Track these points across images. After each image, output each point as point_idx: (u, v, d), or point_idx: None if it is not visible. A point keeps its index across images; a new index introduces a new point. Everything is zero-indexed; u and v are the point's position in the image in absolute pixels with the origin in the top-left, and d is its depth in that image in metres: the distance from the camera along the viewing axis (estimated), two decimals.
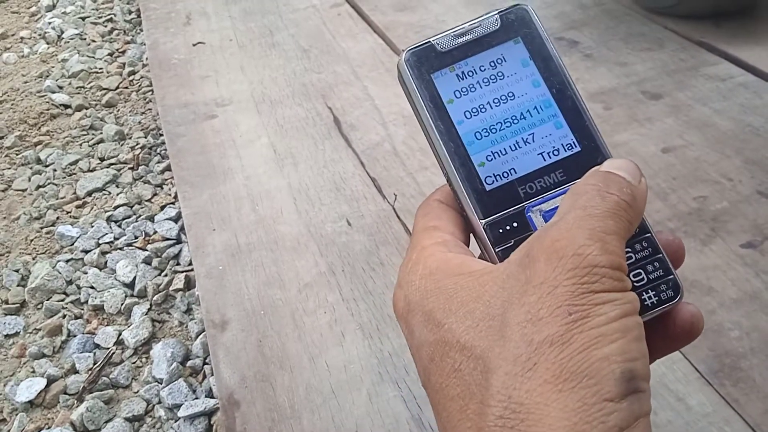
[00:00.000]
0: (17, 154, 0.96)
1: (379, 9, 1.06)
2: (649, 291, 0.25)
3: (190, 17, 1.10)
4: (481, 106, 0.27)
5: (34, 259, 0.79)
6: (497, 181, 0.26)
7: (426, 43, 0.27)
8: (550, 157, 0.26)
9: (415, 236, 0.27)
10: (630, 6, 0.94)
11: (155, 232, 0.81)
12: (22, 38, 1.27)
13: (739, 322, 0.49)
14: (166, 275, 0.76)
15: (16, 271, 0.77)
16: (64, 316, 0.74)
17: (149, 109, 1.00)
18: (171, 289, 0.75)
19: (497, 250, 0.26)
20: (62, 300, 0.76)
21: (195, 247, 0.65)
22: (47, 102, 1.04)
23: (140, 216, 0.83)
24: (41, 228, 0.83)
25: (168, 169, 0.87)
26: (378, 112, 0.81)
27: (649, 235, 0.26)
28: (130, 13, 1.29)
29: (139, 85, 1.06)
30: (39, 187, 0.89)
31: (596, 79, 0.80)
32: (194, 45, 1.01)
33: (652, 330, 0.24)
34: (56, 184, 0.90)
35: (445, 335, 0.23)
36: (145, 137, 0.95)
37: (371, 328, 0.55)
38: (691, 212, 0.60)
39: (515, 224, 0.26)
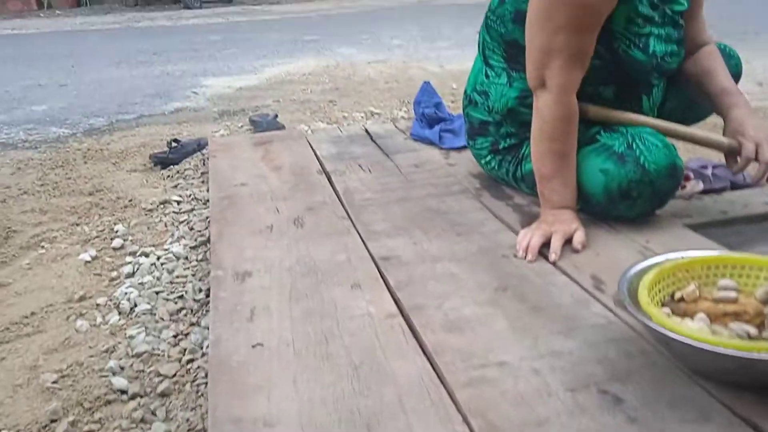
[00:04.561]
0: None
1: (430, 326, 1.11)
2: None
3: (254, 312, 1.19)
4: None
5: None
6: None
7: None
8: None
9: None
10: (673, 361, 0.96)
11: None
12: (97, 305, 1.38)
13: None
14: None
15: None
16: None
17: (200, 405, 1.04)
18: None
19: None
20: None
21: None
22: (106, 386, 1.09)
23: None
24: None
25: None
26: None
27: None
28: (200, 291, 1.39)
29: (195, 376, 1.11)
30: None
31: None
32: (253, 347, 1.07)
33: None
34: None
35: None
36: None
37: None
38: None
39: None
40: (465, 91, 1.72)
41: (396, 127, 2.44)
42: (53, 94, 3.74)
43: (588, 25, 1.32)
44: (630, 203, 1.38)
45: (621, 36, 1.39)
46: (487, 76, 1.61)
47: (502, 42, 1.54)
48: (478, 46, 1.66)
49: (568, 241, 1.35)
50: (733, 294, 0.97)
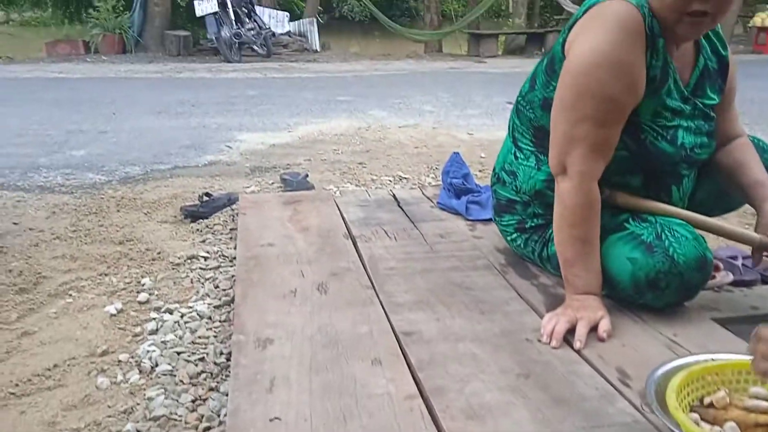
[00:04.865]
0: None
1: (450, 411, 1.10)
2: None
3: (273, 383, 1.18)
4: None
5: None
6: None
7: None
8: None
9: None
10: None
11: None
12: (119, 361, 1.39)
13: None
14: None
15: None
16: None
17: None
18: None
19: None
20: None
21: None
22: None
23: None
24: None
25: None
26: None
27: None
28: (221, 354, 1.40)
29: None
30: None
31: None
32: (271, 420, 1.07)
33: None
34: None
35: None
36: None
37: None
38: None
39: None
40: (494, 169, 1.74)
41: (423, 194, 2.47)
42: (93, 140, 3.86)
43: (612, 118, 1.34)
44: (658, 294, 1.37)
45: (648, 128, 1.40)
46: (516, 157, 1.63)
47: (531, 126, 1.57)
48: (508, 128, 1.69)
49: (593, 329, 1.34)
50: (765, 403, 0.94)
